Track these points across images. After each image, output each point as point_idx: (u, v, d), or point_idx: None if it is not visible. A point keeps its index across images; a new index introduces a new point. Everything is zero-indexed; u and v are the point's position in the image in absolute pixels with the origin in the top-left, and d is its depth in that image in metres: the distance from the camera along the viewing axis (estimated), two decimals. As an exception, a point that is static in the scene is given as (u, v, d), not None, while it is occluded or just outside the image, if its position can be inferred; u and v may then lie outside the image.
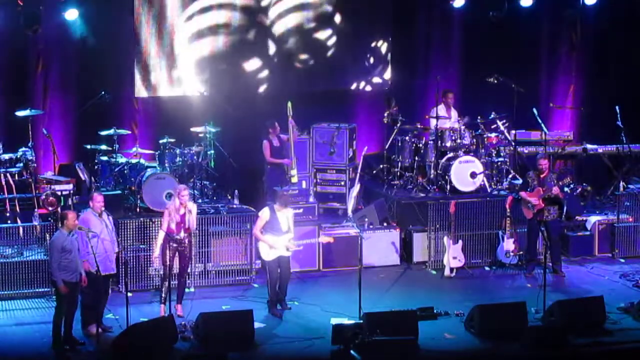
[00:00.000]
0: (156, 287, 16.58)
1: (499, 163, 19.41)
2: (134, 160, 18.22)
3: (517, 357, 14.49)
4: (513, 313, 15.12)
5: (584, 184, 19.73)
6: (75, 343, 14.47)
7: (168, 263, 15.50)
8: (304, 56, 20.50)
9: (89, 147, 18.29)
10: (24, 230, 16.59)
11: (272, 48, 20.23)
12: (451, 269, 17.69)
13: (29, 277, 16.36)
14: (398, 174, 19.43)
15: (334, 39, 20.57)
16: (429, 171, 19.33)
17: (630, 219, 18.83)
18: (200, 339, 14.59)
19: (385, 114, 19.78)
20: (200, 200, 17.99)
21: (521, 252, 17.95)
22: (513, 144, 19.64)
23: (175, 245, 15.57)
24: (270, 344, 14.73)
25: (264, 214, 15.80)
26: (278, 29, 20.21)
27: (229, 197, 18.39)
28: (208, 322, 14.65)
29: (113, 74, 19.17)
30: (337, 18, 20.56)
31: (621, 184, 19.44)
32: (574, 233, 18.78)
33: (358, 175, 19.17)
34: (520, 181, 18.50)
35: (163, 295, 15.62)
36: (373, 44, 20.95)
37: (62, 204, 17.06)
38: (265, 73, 20.23)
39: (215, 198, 18.31)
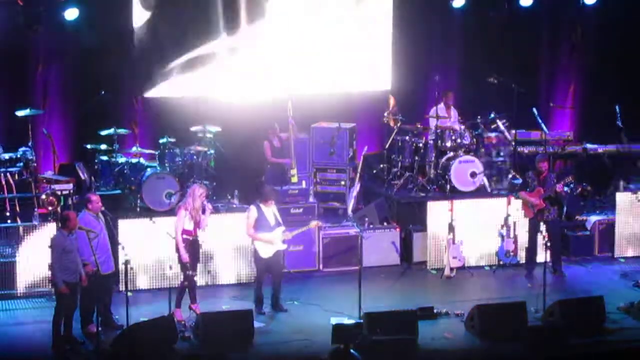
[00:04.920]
0: (157, 287, 16.58)
1: (499, 163, 19.41)
2: (134, 160, 18.24)
3: (517, 357, 14.48)
4: (513, 313, 15.10)
5: (584, 184, 19.72)
6: (75, 343, 14.47)
7: (190, 265, 15.44)
8: (304, 56, 20.49)
9: (89, 146, 18.32)
10: (24, 230, 16.56)
11: (272, 48, 20.23)
12: (451, 269, 17.69)
13: (29, 277, 16.36)
14: (398, 173, 19.43)
15: (334, 39, 20.56)
16: (429, 171, 19.33)
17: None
18: (200, 339, 14.59)
19: (385, 114, 19.78)
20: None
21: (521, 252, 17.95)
22: (513, 143, 19.64)
23: (194, 246, 15.51)
24: (270, 344, 14.72)
25: (252, 212, 15.78)
26: (278, 29, 20.20)
27: (229, 197, 18.38)
28: (208, 322, 14.64)
29: (113, 74, 19.16)
30: (338, 18, 20.54)
31: (621, 183, 19.43)
32: (574, 233, 18.77)
33: (358, 175, 19.17)
34: (520, 181, 18.49)
35: (179, 297, 15.54)
36: (373, 44, 20.92)
37: (62, 203, 17.06)
38: (265, 73, 20.22)
39: (215, 198, 18.30)
